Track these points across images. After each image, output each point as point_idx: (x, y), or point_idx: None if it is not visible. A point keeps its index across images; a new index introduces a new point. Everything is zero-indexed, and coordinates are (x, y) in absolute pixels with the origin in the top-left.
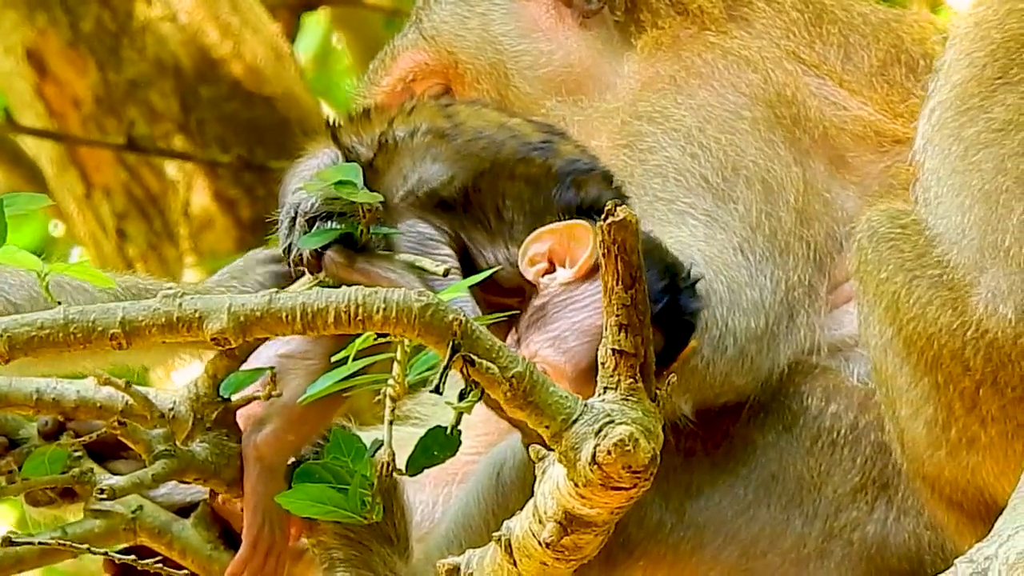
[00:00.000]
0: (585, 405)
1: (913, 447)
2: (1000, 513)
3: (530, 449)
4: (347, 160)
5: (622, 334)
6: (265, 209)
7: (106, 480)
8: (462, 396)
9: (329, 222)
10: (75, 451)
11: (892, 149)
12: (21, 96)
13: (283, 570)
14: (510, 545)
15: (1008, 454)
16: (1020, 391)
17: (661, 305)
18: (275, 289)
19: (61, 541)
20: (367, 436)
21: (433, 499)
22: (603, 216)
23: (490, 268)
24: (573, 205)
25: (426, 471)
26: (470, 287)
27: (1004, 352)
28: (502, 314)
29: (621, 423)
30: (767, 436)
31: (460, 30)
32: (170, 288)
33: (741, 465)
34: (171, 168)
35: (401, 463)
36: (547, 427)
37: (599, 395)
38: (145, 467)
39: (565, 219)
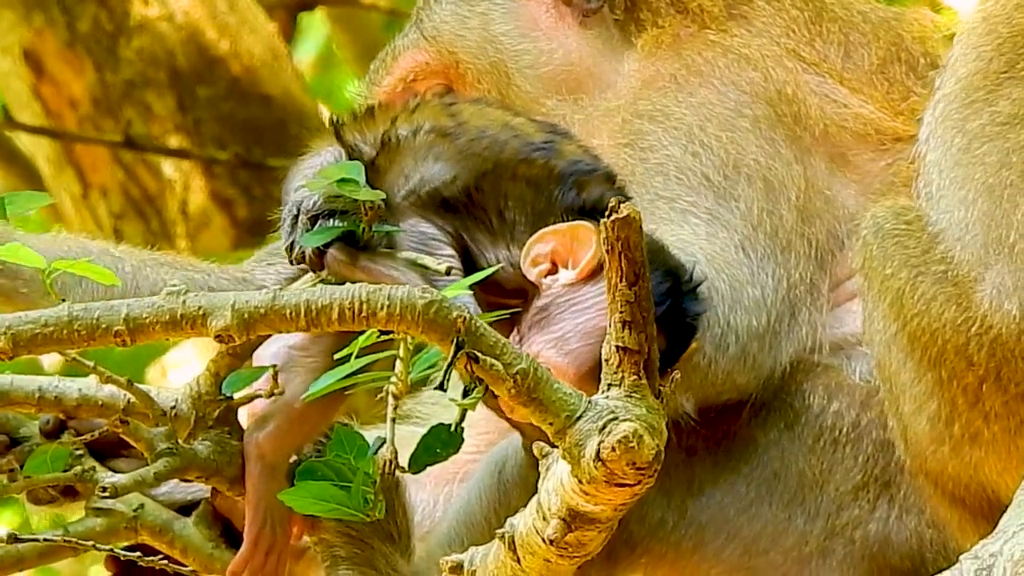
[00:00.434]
0: (589, 402)
1: (916, 443)
2: (1003, 509)
3: (534, 446)
4: (350, 158)
5: (626, 331)
6: (262, 209)
7: (108, 478)
8: (466, 393)
9: (331, 220)
10: (76, 449)
11: (893, 147)
12: (18, 96)
13: (284, 568)
14: (514, 542)
15: (1011, 450)
16: None
17: (663, 308)
18: (279, 286)
19: (66, 539)
20: (366, 435)
21: (434, 498)
22: (607, 213)
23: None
24: (575, 206)
25: (427, 470)
26: (471, 287)
27: (1008, 348)
28: (504, 311)
29: (625, 420)
30: (769, 434)
31: (461, 30)
32: (174, 286)
33: (743, 463)
34: (168, 168)
35: (402, 461)
36: (551, 424)
37: (603, 392)
38: (147, 465)
39: (567, 220)
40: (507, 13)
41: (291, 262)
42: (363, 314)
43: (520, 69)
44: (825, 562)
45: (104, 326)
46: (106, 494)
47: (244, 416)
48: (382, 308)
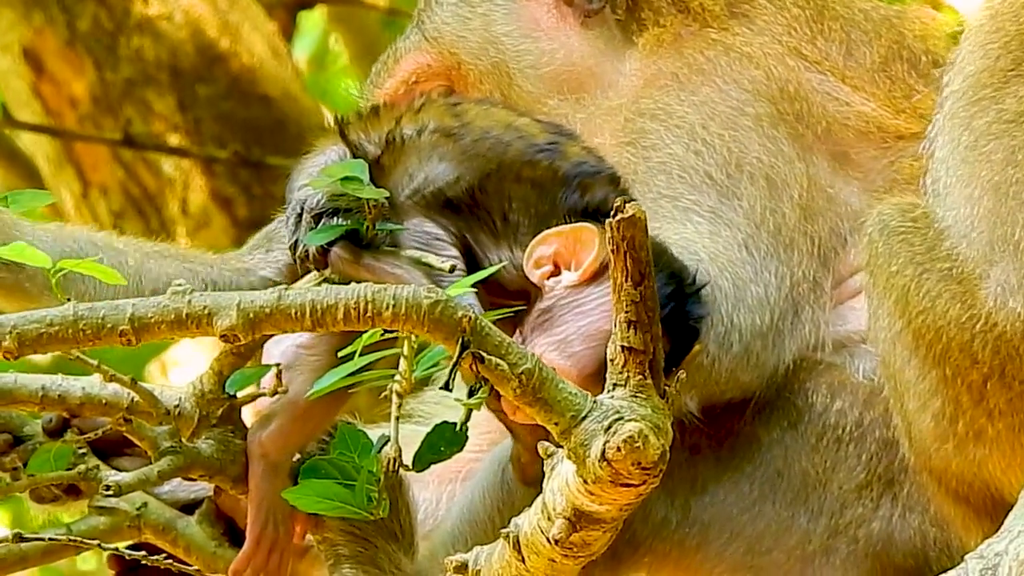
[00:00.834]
0: (594, 402)
1: (920, 440)
2: (1006, 507)
3: (539, 445)
4: (354, 157)
5: (631, 330)
6: (262, 207)
7: (112, 477)
8: (471, 393)
9: (335, 218)
10: (80, 448)
11: (895, 145)
12: (18, 95)
13: (287, 567)
14: (518, 542)
15: (1015, 448)
16: None
17: (667, 311)
18: (283, 286)
19: (71, 538)
20: (369, 434)
21: (436, 497)
22: (612, 212)
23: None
24: (579, 208)
25: (430, 468)
26: (474, 286)
27: (1012, 345)
28: (507, 309)
29: (630, 420)
30: (772, 433)
31: (462, 31)
32: (179, 285)
33: (746, 462)
34: (168, 166)
35: (405, 460)
36: (556, 424)
37: (608, 391)
38: (150, 464)
39: (571, 222)
40: (509, 14)
41: (295, 260)
42: (368, 314)
43: (522, 69)
44: (828, 561)
45: (109, 325)
46: (110, 492)
47: (248, 415)
48: (387, 308)
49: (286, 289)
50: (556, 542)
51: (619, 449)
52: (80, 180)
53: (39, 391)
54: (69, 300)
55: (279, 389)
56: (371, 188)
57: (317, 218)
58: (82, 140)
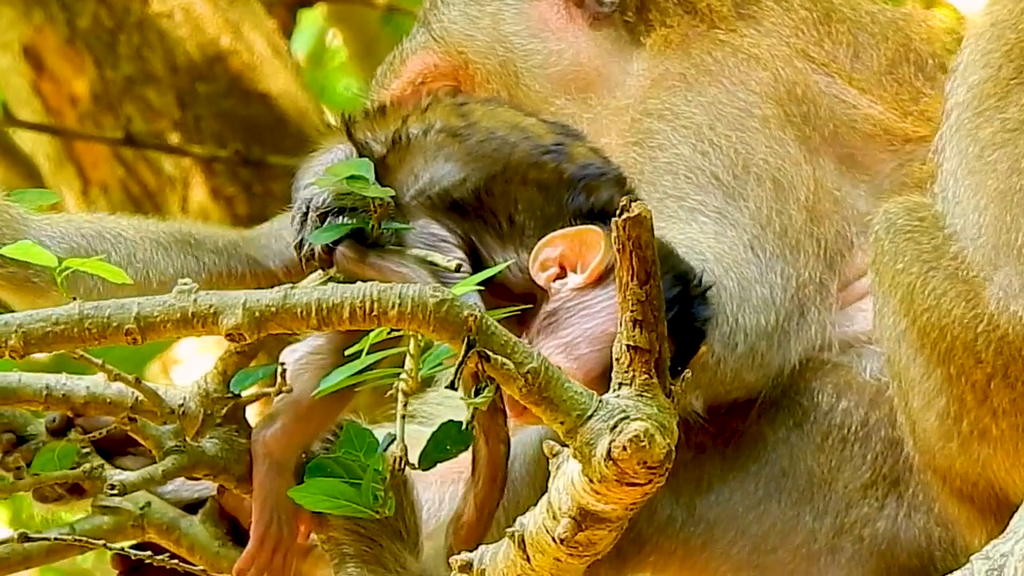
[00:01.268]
0: (600, 401)
1: (925, 439)
2: (1011, 507)
3: (544, 445)
4: (360, 156)
5: (637, 330)
6: (262, 206)
7: (116, 476)
8: (477, 392)
9: (341, 217)
10: (83, 447)
11: (903, 148)
12: (18, 93)
13: (291, 566)
14: (523, 541)
15: (1019, 448)
16: None
17: (672, 313)
18: (289, 285)
19: (76, 537)
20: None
21: (439, 496)
22: (618, 212)
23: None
24: (585, 210)
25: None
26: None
27: (1015, 347)
28: (512, 308)
29: (636, 419)
30: (778, 432)
31: (470, 30)
32: (185, 283)
33: (751, 461)
34: (168, 164)
35: (410, 459)
36: (562, 423)
37: (614, 391)
38: (154, 463)
39: (577, 224)
40: (518, 13)
41: (300, 259)
42: (374, 313)
43: (529, 68)
44: (834, 560)
45: (115, 324)
46: (114, 492)
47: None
48: (393, 307)
49: (292, 288)
50: (561, 541)
51: (625, 448)
52: (80, 178)
53: (43, 390)
54: (75, 299)
55: (283, 388)
56: (377, 187)
57: (323, 217)
58: (82, 139)
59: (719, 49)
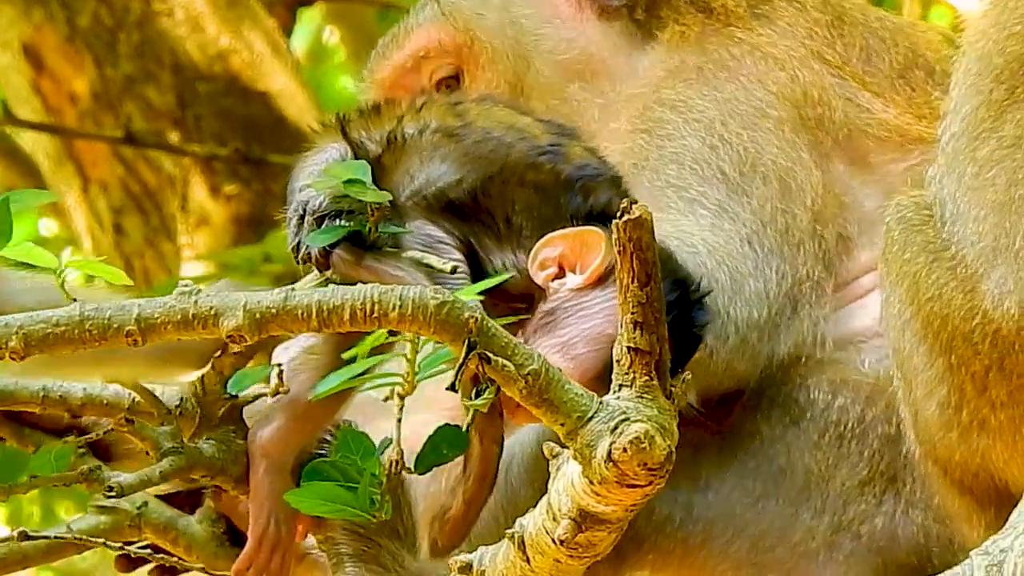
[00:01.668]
0: (600, 403)
1: (926, 428)
2: (1010, 500)
3: (544, 446)
4: (355, 155)
5: (637, 331)
6: (262, 204)
7: (114, 477)
8: (477, 394)
9: (337, 220)
10: (80, 448)
11: (916, 148)
12: (18, 91)
13: (288, 567)
14: (523, 542)
15: (1017, 439)
16: None
17: (671, 318)
18: (290, 286)
19: (76, 536)
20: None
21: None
22: (619, 214)
23: (497, 273)
24: (583, 211)
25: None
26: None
27: (1008, 342)
28: (514, 317)
29: (637, 420)
30: (774, 430)
31: (481, 8)
32: (186, 285)
33: (749, 459)
34: (168, 163)
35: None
36: (562, 424)
37: (614, 392)
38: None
39: (575, 225)
40: None
41: (297, 262)
42: (375, 314)
43: (540, 53)
44: (832, 557)
45: (116, 326)
46: (112, 493)
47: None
48: (394, 308)
49: (292, 289)
50: (561, 543)
51: (625, 450)
52: (80, 177)
53: (40, 392)
54: (75, 300)
55: (280, 389)
56: (374, 191)
57: (320, 220)
58: (82, 138)
59: (737, 46)
